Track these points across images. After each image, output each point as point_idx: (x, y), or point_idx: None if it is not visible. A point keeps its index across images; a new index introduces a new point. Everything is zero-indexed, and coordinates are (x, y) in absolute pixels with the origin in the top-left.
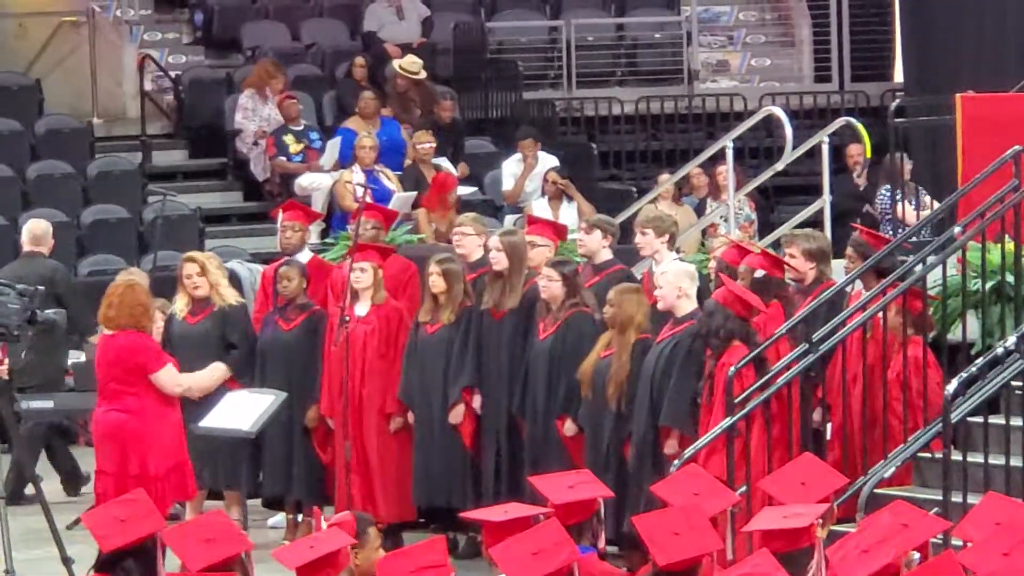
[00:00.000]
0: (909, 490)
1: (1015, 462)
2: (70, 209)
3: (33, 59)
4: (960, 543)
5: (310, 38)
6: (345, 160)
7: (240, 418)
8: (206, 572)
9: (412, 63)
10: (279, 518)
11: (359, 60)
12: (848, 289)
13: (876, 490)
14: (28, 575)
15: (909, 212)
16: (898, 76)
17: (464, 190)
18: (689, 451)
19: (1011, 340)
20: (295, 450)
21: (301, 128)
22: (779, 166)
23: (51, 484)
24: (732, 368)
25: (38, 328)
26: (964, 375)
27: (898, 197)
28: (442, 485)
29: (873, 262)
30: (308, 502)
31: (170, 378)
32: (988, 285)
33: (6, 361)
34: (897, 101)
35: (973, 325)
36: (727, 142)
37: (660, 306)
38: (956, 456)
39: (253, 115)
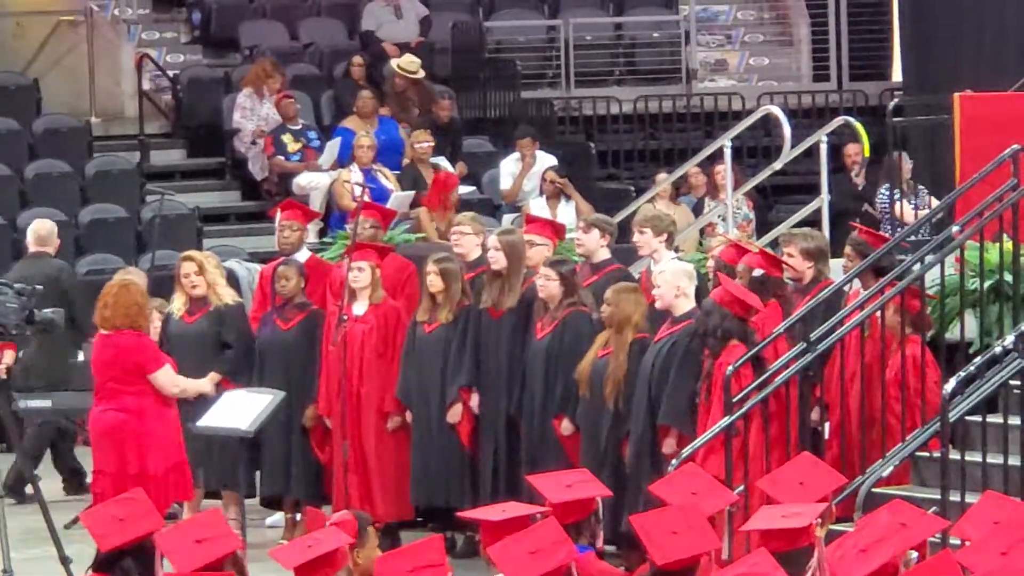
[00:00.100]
0: (907, 489)
1: (1013, 461)
2: (68, 208)
3: (31, 58)
4: (958, 542)
5: (308, 37)
6: (343, 160)
7: (238, 417)
8: (197, 573)
9: (410, 62)
10: (277, 517)
11: (357, 59)
12: (846, 288)
13: (874, 489)
14: (26, 574)
15: (908, 211)
16: (896, 75)
17: (462, 189)
18: (687, 450)
19: (1009, 339)
20: (293, 449)
21: (299, 127)
22: (777, 165)
23: (50, 483)
24: (730, 367)
25: (36, 328)
26: (962, 374)
27: (896, 196)
28: (440, 484)
29: (871, 261)
30: (306, 501)
31: (168, 378)
32: (986, 284)
33: (5, 361)
34: (895, 100)
35: (971, 324)
36: (725, 141)
37: (658, 305)
38: (954, 455)
39: (251, 114)
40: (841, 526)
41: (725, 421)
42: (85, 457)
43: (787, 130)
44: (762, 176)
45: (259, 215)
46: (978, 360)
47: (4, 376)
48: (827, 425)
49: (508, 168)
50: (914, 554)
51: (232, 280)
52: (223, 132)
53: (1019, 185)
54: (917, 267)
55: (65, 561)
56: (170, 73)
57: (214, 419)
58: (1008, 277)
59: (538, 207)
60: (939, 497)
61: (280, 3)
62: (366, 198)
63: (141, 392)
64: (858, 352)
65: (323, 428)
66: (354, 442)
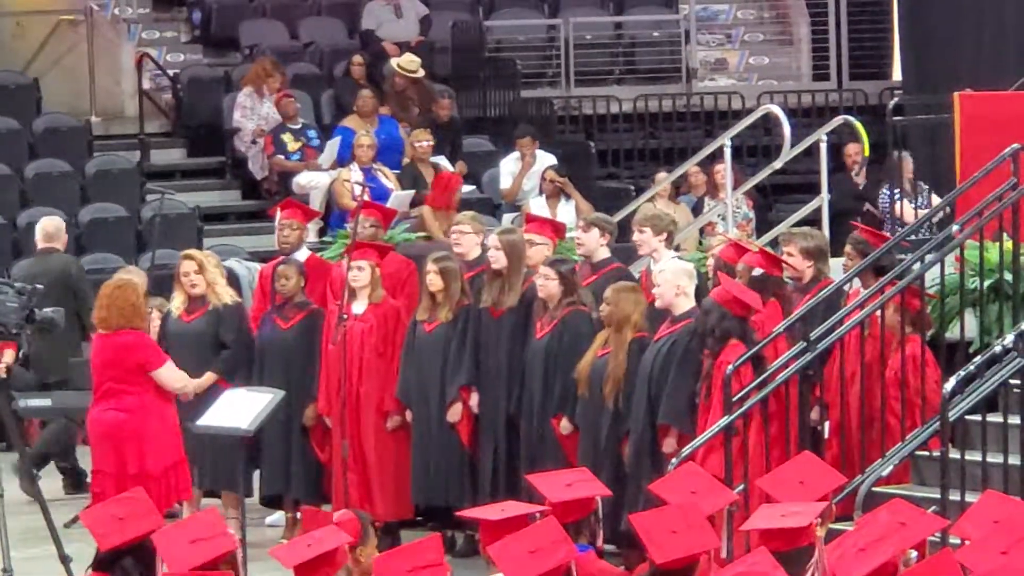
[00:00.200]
0: (907, 488)
1: (1013, 460)
2: (68, 208)
3: (31, 58)
4: (958, 541)
5: (308, 36)
6: (343, 159)
7: (238, 416)
8: (192, 573)
9: (410, 62)
10: (277, 516)
11: (357, 59)
12: (846, 287)
13: (874, 488)
14: (26, 574)
15: (908, 210)
16: (896, 74)
17: (462, 188)
18: (687, 449)
19: (1009, 338)
20: (293, 449)
21: (299, 126)
22: (777, 164)
23: (49, 483)
24: (730, 366)
25: (36, 327)
26: (962, 373)
27: (896, 195)
28: (440, 483)
29: (871, 260)
30: (306, 501)
31: (171, 374)
32: (986, 283)
33: (5, 360)
34: (895, 99)
35: (971, 323)
36: (725, 140)
37: (658, 304)
38: (954, 454)
39: (251, 113)
40: (841, 525)
41: (725, 420)
42: (85, 457)
43: (787, 129)
44: (762, 175)
45: (259, 214)
46: (978, 359)
47: (4, 375)
48: (827, 424)
49: (508, 167)
50: (914, 553)
51: (232, 279)
52: (223, 131)
53: (1019, 184)
54: (917, 266)
55: (65, 560)
56: (170, 72)
57: (214, 418)
58: (1008, 276)
59: (538, 206)
60: (939, 496)
61: (280, 2)
62: (366, 197)
63: (140, 392)
64: (858, 351)
65: (323, 427)
66: (354, 441)
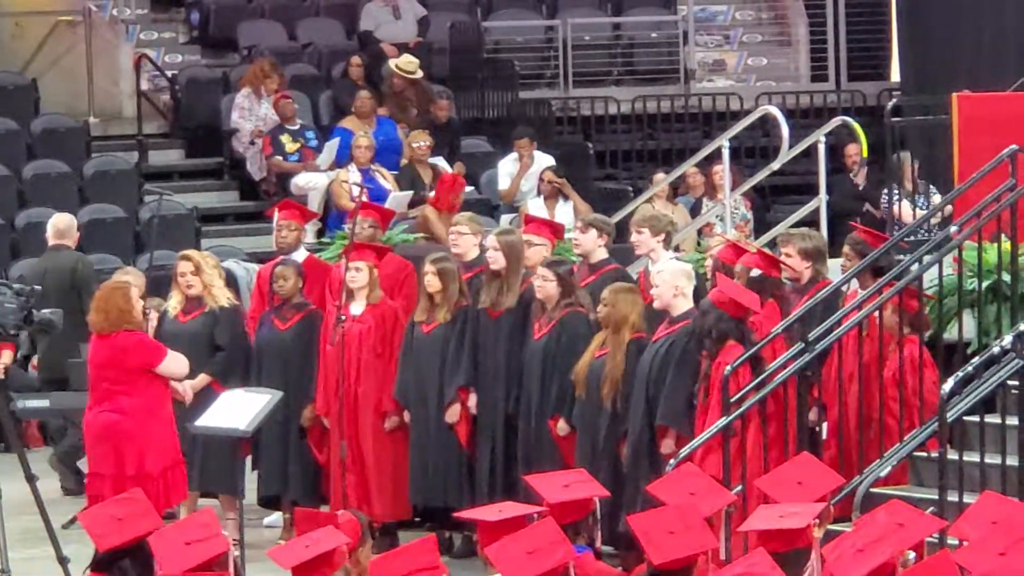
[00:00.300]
0: (905, 489)
1: (1011, 461)
2: (66, 208)
3: (29, 58)
4: (956, 542)
5: (306, 37)
6: (342, 160)
7: (236, 417)
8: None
9: (408, 62)
10: (275, 517)
11: (355, 59)
12: (844, 288)
13: (872, 489)
14: (24, 574)
15: (906, 211)
16: (895, 75)
17: None
18: (685, 450)
19: (1007, 339)
20: (291, 449)
21: (297, 127)
22: (775, 165)
23: (48, 483)
24: (728, 367)
25: (35, 328)
26: (960, 374)
27: (896, 196)
28: (438, 484)
29: (869, 261)
30: (304, 502)
31: (174, 364)
32: (984, 284)
33: (3, 361)
34: (894, 100)
35: (969, 324)
36: (723, 141)
37: (656, 305)
38: (952, 455)
39: (249, 114)
40: (839, 526)
41: (723, 421)
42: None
43: (785, 130)
44: (760, 176)
45: (257, 215)
46: (976, 360)
47: (2, 376)
48: (825, 425)
49: (506, 168)
50: (912, 554)
51: (230, 280)
52: (221, 132)
53: (1017, 185)
54: (915, 267)
55: (63, 561)
56: (168, 73)
57: (212, 419)
58: (1006, 277)
59: (536, 207)
60: (937, 497)
61: (278, 3)
62: (364, 198)
63: (137, 393)
64: (856, 352)
65: (321, 428)
66: (352, 442)
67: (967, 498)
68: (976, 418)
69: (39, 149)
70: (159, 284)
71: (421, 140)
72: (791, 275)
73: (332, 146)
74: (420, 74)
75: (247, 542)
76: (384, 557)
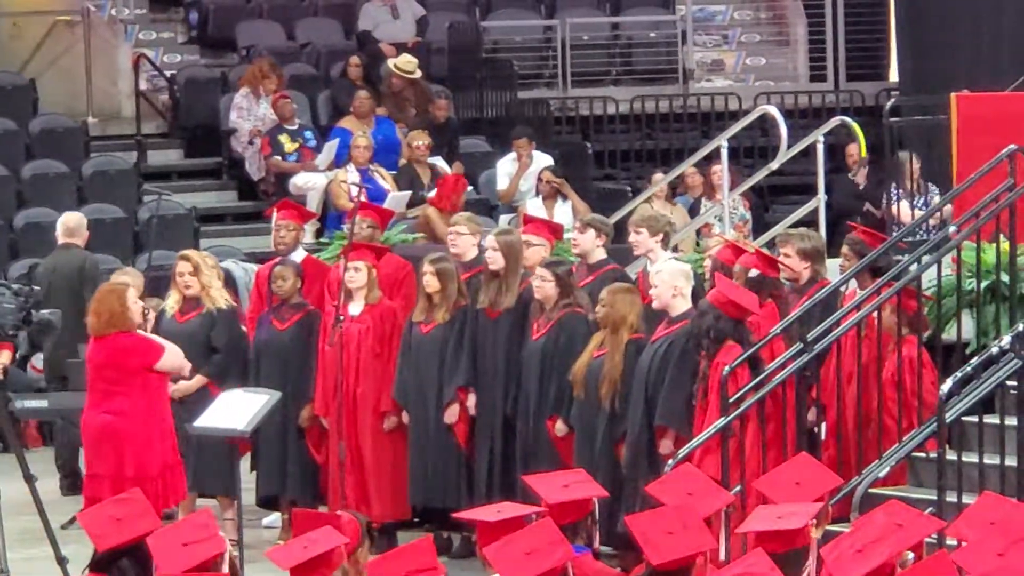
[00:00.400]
0: (904, 490)
1: (1010, 462)
2: (65, 209)
3: (28, 58)
4: (955, 543)
5: (305, 37)
6: (340, 160)
7: (235, 417)
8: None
9: (407, 62)
10: (274, 518)
11: (354, 59)
12: (843, 288)
13: (871, 490)
14: (23, 575)
15: (905, 211)
16: (893, 75)
17: None
18: (684, 451)
19: (1006, 340)
20: (289, 450)
21: (296, 127)
22: (774, 165)
23: (46, 483)
24: (727, 368)
25: (33, 328)
26: (959, 375)
27: (895, 196)
28: (437, 485)
29: (868, 261)
30: (302, 502)
31: (173, 360)
32: (983, 285)
33: (1, 361)
34: (892, 100)
35: (968, 325)
36: (722, 141)
37: (655, 305)
38: (951, 456)
39: (248, 114)
40: (838, 527)
41: (721, 422)
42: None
43: (784, 130)
44: (759, 176)
45: (256, 215)
46: (975, 361)
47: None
48: (823, 426)
49: (504, 168)
50: (910, 555)
51: (229, 280)
52: (220, 132)
53: (1016, 185)
54: (914, 267)
55: (62, 561)
56: (167, 73)
57: (210, 419)
58: (1005, 277)
59: (534, 207)
60: (935, 498)
61: (277, 3)
62: (363, 198)
63: (134, 394)
64: (855, 352)
65: (319, 428)
66: (350, 442)
67: (966, 498)
68: (975, 418)
69: (38, 149)
70: (158, 284)
71: (420, 140)
72: (790, 275)
73: (331, 146)
74: (419, 74)
75: (245, 542)
76: (381, 558)
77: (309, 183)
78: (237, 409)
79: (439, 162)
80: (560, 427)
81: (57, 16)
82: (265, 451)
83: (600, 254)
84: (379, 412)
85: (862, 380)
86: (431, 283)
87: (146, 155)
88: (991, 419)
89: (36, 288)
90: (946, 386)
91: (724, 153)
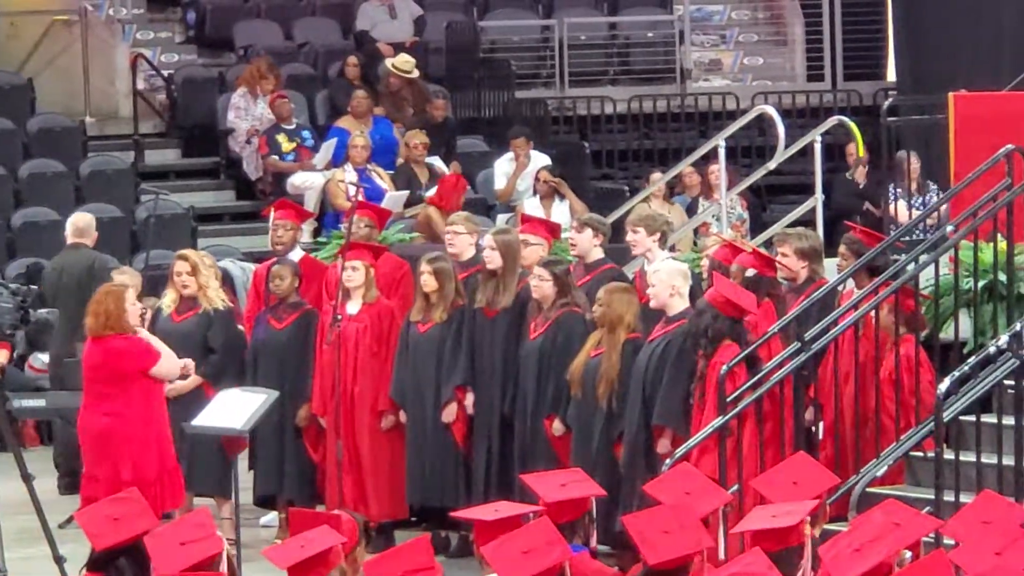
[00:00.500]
0: (901, 489)
1: (1007, 461)
2: (62, 208)
3: (25, 58)
4: (952, 542)
5: (303, 37)
6: (338, 159)
7: (232, 416)
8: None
9: (405, 62)
10: (271, 517)
11: (352, 59)
12: (840, 288)
13: (868, 489)
14: (21, 574)
15: (903, 210)
16: (891, 75)
17: None
18: (681, 450)
19: (1003, 339)
20: (287, 449)
21: (293, 127)
22: (771, 165)
23: (44, 482)
24: (724, 367)
25: (31, 327)
26: (956, 374)
27: (893, 196)
28: (435, 484)
29: (865, 260)
30: (300, 501)
31: (168, 367)
32: (980, 284)
33: None
34: (890, 100)
35: (965, 324)
36: (719, 141)
37: (653, 304)
38: (948, 455)
39: (245, 114)
40: (835, 526)
41: (719, 421)
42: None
43: (781, 130)
44: (756, 176)
45: (253, 215)
46: (972, 360)
47: None
48: (821, 425)
49: (502, 168)
50: (908, 554)
51: (227, 280)
52: (217, 132)
53: (1013, 185)
54: (911, 267)
55: (59, 560)
56: (164, 73)
57: (208, 419)
58: (1002, 277)
59: (532, 207)
60: (933, 497)
61: (275, 3)
62: (360, 198)
63: (131, 396)
64: (852, 352)
65: (317, 428)
66: (348, 442)
67: (963, 498)
68: (972, 418)
69: (35, 148)
70: (155, 283)
71: (417, 139)
72: (787, 275)
73: (328, 146)
74: (416, 74)
75: (243, 542)
76: (379, 557)
77: (307, 183)
78: (235, 408)
79: (437, 162)
80: (557, 426)
81: (54, 16)
82: (262, 450)
83: (598, 253)
84: (376, 411)
85: (860, 379)
86: (429, 282)
87: (143, 155)
88: (988, 418)
89: (34, 287)
90: (943, 385)
91: (722, 153)
